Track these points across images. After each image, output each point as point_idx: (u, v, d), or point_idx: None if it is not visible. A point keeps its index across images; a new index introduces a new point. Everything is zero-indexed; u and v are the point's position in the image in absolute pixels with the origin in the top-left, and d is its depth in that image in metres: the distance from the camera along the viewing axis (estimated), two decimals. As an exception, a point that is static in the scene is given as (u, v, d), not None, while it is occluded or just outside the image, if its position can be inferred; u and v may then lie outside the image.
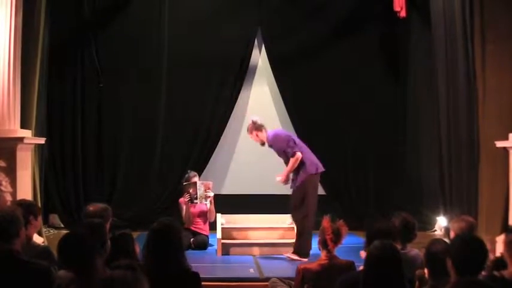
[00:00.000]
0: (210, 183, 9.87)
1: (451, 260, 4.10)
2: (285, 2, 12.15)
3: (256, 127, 9.15)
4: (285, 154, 8.98)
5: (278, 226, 9.95)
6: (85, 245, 4.33)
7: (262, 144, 9.20)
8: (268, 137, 9.12)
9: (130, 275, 3.42)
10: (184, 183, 9.82)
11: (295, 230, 9.05)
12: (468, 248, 4.12)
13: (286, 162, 8.99)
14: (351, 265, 5.69)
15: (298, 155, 8.83)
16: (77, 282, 4.23)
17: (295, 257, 8.73)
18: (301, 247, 8.82)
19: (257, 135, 9.15)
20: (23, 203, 5.93)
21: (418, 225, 6.12)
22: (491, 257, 4.90)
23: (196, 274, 4.80)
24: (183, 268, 4.78)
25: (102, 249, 4.75)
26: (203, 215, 9.96)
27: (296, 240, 8.95)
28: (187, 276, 4.74)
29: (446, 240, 4.93)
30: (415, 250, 5.84)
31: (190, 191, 9.69)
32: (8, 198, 8.15)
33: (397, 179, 11.88)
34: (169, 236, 4.73)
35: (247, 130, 9.25)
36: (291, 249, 8.95)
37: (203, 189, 9.72)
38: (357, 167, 12.10)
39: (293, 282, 6.05)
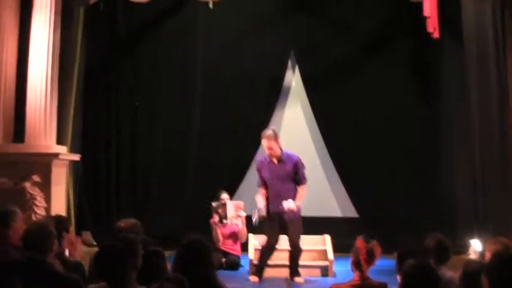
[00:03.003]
0: (241, 204, 9.84)
1: (488, 279, 4.03)
2: (316, 22, 12.16)
3: (276, 137, 8.89)
4: (296, 179, 8.84)
5: (311, 248, 9.88)
6: (121, 258, 4.34)
7: (271, 155, 8.85)
8: (290, 153, 8.94)
9: None
10: (214, 204, 9.80)
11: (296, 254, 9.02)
12: (506, 266, 4.05)
13: (283, 188, 8.79)
14: (384, 287, 5.62)
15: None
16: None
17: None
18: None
19: (276, 144, 8.81)
20: (55, 218, 5.98)
21: (452, 248, 6.04)
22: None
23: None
24: (214, 285, 4.72)
25: (135, 264, 4.75)
26: (234, 235, 9.93)
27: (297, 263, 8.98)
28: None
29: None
30: (449, 272, 5.75)
31: (220, 211, 9.67)
32: (42, 213, 8.24)
33: (430, 202, 11.72)
34: (199, 252, 4.70)
35: (267, 136, 8.82)
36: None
37: (233, 209, 9.69)
38: (389, 189, 11.93)
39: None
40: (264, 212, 8.72)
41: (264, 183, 8.95)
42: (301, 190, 8.81)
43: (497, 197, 9.04)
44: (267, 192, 8.89)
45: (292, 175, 8.81)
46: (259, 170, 9.03)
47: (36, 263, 4.55)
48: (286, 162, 8.84)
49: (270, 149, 8.78)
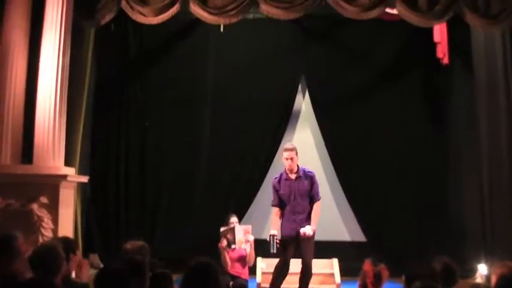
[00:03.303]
0: (249, 227, 9.82)
1: None
2: (328, 48, 12.24)
3: (297, 151, 8.86)
4: (312, 196, 8.81)
5: (318, 272, 9.85)
6: (122, 280, 4.33)
7: (290, 168, 8.77)
8: (306, 169, 8.92)
9: None
10: (222, 229, 9.78)
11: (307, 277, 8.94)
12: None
13: (299, 204, 8.76)
14: (391, 310, 5.60)
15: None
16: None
17: None
18: None
19: (296, 157, 8.80)
20: (62, 239, 5.99)
21: (459, 274, 6.02)
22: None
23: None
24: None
25: (143, 286, 4.75)
26: (242, 259, 9.89)
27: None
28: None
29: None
30: (456, 296, 5.74)
31: (228, 235, 9.65)
32: (50, 235, 8.25)
33: (438, 226, 11.69)
34: (207, 274, 4.69)
35: (290, 148, 8.82)
36: None
37: (242, 233, 9.67)
38: (398, 214, 11.89)
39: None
40: (279, 236, 8.69)
41: (279, 202, 8.95)
42: (317, 207, 8.77)
43: (505, 223, 9.03)
44: (282, 211, 8.90)
45: (309, 190, 8.81)
46: (275, 188, 9.01)
47: (44, 284, 4.55)
48: (303, 178, 8.84)
49: (291, 159, 8.75)
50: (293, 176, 8.81)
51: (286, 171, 8.86)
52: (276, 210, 8.91)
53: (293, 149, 8.80)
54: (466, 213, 11.41)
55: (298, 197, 8.76)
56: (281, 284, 8.85)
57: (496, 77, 9.54)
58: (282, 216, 8.85)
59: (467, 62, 10.70)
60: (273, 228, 8.76)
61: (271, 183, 9.06)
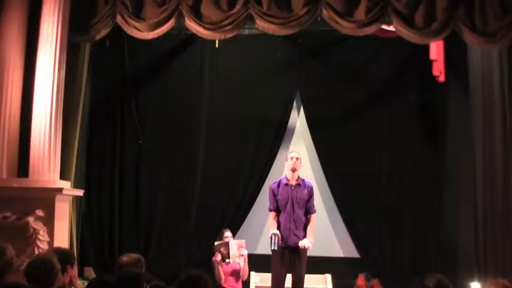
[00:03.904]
0: (243, 242, 9.85)
1: None
2: (323, 66, 12.25)
3: (300, 159, 9.12)
4: (308, 207, 8.90)
5: (311, 286, 9.88)
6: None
7: (293, 171, 8.95)
8: (307, 181, 9.06)
9: None
10: (216, 243, 9.81)
11: None
12: None
13: (295, 213, 8.83)
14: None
15: None
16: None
17: None
18: None
19: (300, 164, 9.05)
20: (60, 251, 6.00)
21: (452, 289, 6.04)
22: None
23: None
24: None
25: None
26: (236, 273, 9.92)
27: None
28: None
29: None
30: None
31: (222, 250, 9.68)
32: (45, 247, 8.27)
33: (431, 245, 11.69)
34: (198, 286, 4.72)
35: (295, 155, 9.05)
36: None
37: (236, 247, 9.70)
38: (391, 231, 11.88)
39: None
40: (279, 236, 8.74)
41: (276, 208, 9.00)
42: (313, 219, 8.89)
43: (499, 243, 9.05)
44: (278, 218, 8.94)
45: (306, 201, 8.90)
46: (273, 192, 9.06)
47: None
48: (302, 186, 8.96)
49: (296, 163, 8.96)
50: (294, 182, 8.91)
51: (286, 177, 8.99)
52: (273, 215, 8.96)
53: (298, 156, 9.05)
54: (459, 232, 11.40)
55: (295, 205, 8.85)
56: None
57: (492, 96, 9.55)
58: (277, 223, 8.92)
59: (464, 80, 10.68)
60: (273, 229, 8.82)
61: (269, 188, 9.15)
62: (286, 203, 8.87)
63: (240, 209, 12.00)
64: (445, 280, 5.88)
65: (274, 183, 9.19)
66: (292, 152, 9.27)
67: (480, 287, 9.48)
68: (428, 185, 11.92)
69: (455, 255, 11.36)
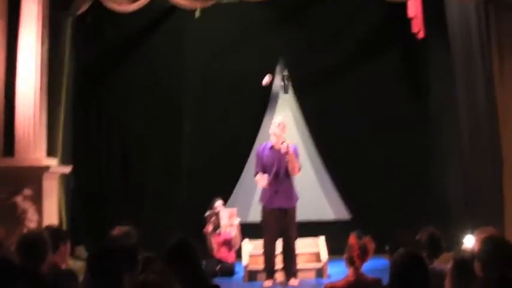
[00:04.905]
0: (235, 210, 9.86)
1: (480, 263, 4.04)
2: (304, 28, 12.17)
3: (285, 126, 9.25)
4: (294, 166, 8.98)
5: (304, 251, 9.90)
6: (115, 259, 4.35)
7: (277, 138, 9.08)
8: (291, 144, 9.12)
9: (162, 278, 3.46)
10: (207, 214, 9.81)
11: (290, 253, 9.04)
12: (496, 247, 4.07)
13: (281, 175, 9.00)
14: (378, 282, 5.62)
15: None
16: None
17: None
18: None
19: (283, 131, 9.14)
20: (52, 228, 5.99)
21: (445, 246, 6.05)
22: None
23: (217, 287, 4.77)
24: (203, 283, 4.73)
25: (134, 271, 4.78)
26: (228, 242, 9.95)
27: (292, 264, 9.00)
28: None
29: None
30: (442, 265, 5.76)
31: (213, 220, 9.69)
32: (35, 226, 8.23)
33: (422, 200, 11.68)
34: (185, 251, 4.70)
35: (280, 125, 9.17)
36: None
37: (227, 217, 9.70)
38: (381, 190, 11.82)
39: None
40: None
41: (262, 171, 9.06)
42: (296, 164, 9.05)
43: (488, 189, 9.10)
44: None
45: (291, 163, 8.98)
46: (259, 156, 9.19)
47: (30, 271, 4.55)
48: (296, 153, 9.16)
49: (280, 128, 9.10)
50: (279, 146, 8.98)
51: (272, 142, 9.13)
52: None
53: (281, 124, 9.19)
54: (449, 184, 11.43)
55: (280, 167, 8.99)
56: (273, 257, 8.92)
57: (472, 47, 9.60)
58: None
59: (444, 35, 10.70)
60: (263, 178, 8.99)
61: (256, 152, 9.21)
62: (272, 167, 8.93)
63: (229, 177, 11.98)
64: (438, 233, 5.90)
65: (260, 146, 9.26)
66: (273, 125, 9.28)
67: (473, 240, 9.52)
68: (415, 140, 11.91)
69: (447, 208, 11.38)
